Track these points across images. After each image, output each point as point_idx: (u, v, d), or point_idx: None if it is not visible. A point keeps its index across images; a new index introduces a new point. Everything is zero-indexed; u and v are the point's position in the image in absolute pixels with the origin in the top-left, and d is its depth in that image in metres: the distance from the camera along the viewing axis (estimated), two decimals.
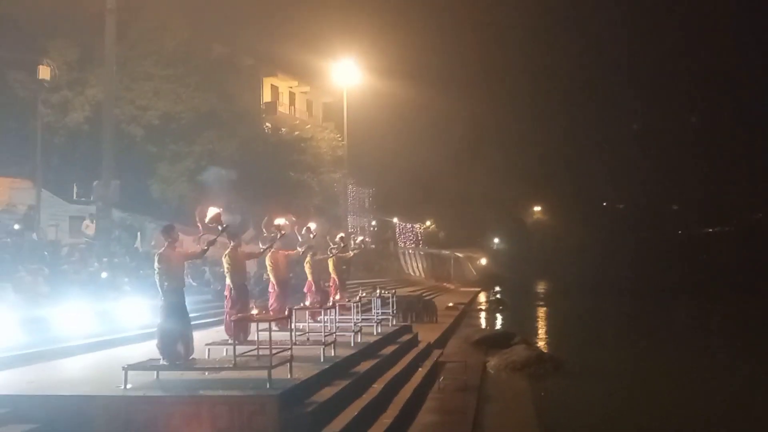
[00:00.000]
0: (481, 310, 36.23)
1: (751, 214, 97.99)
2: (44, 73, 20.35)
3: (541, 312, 37.99)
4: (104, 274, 15.54)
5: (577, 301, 41.36)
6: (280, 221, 11.74)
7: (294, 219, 12.63)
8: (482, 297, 45.60)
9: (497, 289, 53.61)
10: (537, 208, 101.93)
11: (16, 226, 17.77)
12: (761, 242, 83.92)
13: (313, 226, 14.31)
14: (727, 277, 56.75)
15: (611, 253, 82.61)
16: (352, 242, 18.63)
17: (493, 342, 20.32)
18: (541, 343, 22.74)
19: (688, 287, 50.52)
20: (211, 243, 9.11)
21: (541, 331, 27.80)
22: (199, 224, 9.25)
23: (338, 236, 15.89)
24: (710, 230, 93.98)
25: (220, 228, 9.17)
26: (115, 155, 19.02)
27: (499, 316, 32.98)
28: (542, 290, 58.01)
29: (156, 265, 8.63)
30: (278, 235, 11.66)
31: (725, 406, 13.68)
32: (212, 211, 9.21)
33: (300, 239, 13.86)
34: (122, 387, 7.78)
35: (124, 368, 7.93)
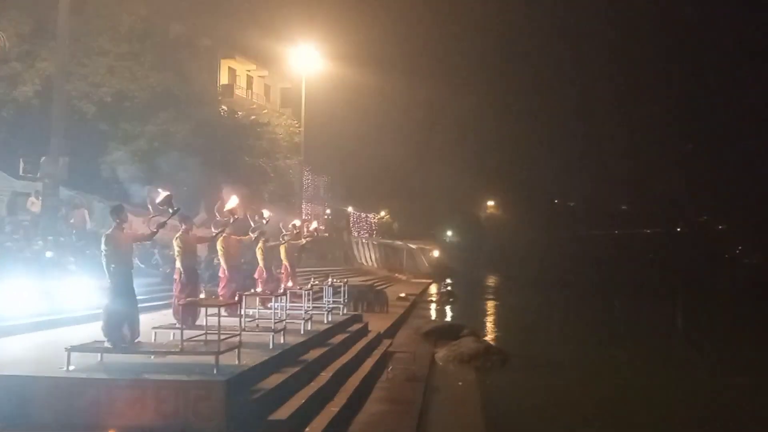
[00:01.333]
0: (431, 301, 36.47)
1: (697, 216, 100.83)
2: None
3: (491, 305, 38.45)
4: (49, 253, 15.17)
5: (526, 296, 41.99)
6: (232, 205, 11.61)
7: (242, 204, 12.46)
8: (433, 289, 45.90)
9: (448, 281, 54.00)
10: (490, 203, 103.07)
11: None
12: (705, 243, 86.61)
13: (266, 212, 14.21)
14: (673, 276, 58.27)
15: (561, 249, 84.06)
16: (305, 229, 18.54)
17: (443, 334, 20.49)
18: (489, 336, 23.03)
19: (635, 286, 51.69)
20: (161, 225, 8.96)
21: (490, 325, 28.14)
22: (149, 206, 9.10)
23: (291, 223, 15.81)
24: (657, 230, 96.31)
25: (170, 210, 9.03)
26: (65, 131, 18.50)
27: (449, 308, 33.27)
28: (492, 284, 58.68)
29: (103, 246, 8.46)
30: (231, 220, 11.54)
31: (667, 396, 14.06)
32: (163, 194, 9.06)
33: (252, 225, 13.75)
34: (65, 368, 7.63)
35: (67, 349, 7.77)
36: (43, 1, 23.04)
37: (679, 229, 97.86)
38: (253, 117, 36.44)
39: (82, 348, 8.10)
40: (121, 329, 8.43)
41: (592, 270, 65.75)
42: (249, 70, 43.57)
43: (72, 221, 19.91)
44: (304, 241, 16.55)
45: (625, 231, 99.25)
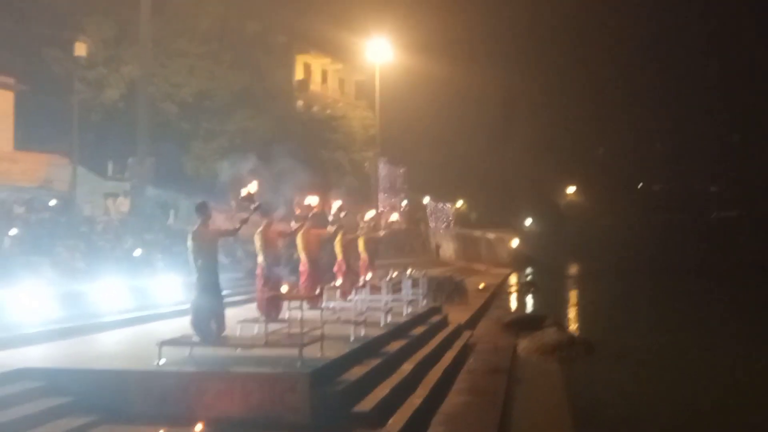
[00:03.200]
0: (512, 291, 36.02)
1: None
2: (80, 49, 20.50)
3: (573, 294, 37.66)
4: (138, 251, 15.74)
5: (609, 284, 40.88)
6: (311, 200, 11.76)
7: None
8: (513, 279, 45.34)
9: (528, 270, 53.24)
10: (570, 189, 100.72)
11: (53, 202, 18.06)
12: None
13: (343, 204, 14.28)
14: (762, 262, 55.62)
15: (646, 235, 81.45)
16: (383, 222, 18.60)
17: (524, 324, 20.15)
18: (572, 326, 22.56)
19: (723, 271, 49.66)
20: (244, 221, 9.14)
21: (573, 314, 27.56)
22: (232, 202, 9.31)
23: (368, 215, 15.88)
24: (744, 213, 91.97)
25: (252, 207, 9.19)
26: (149, 132, 19.23)
27: (530, 298, 32.78)
28: (574, 272, 57.49)
29: (189, 242, 8.68)
30: (309, 214, 11.69)
31: (758, 394, 13.43)
32: (253, 186, 9.21)
33: (331, 218, 13.88)
34: (156, 362, 7.89)
35: (158, 344, 8.03)
36: (124, 6, 23.89)
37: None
38: (328, 111, 36.86)
39: (173, 342, 8.37)
40: (208, 323, 8.65)
41: (679, 255, 63.47)
42: (324, 65, 44.03)
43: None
44: (382, 233, 16.63)
45: (716, 214, 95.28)
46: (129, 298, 12.74)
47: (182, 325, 9.31)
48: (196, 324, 8.64)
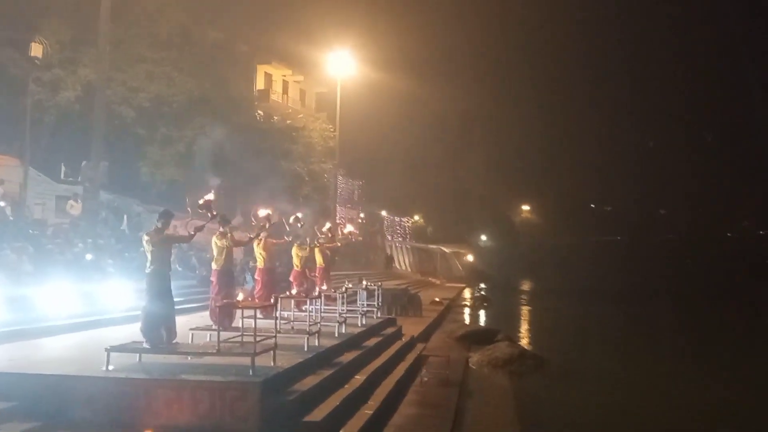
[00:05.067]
0: (465, 306, 36.30)
1: (740, 222, 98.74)
2: (36, 50, 20.12)
3: (525, 310, 38.11)
4: (89, 256, 15.46)
5: (561, 301, 41.49)
6: (265, 212, 11.78)
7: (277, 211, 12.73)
8: (467, 293, 45.68)
9: (482, 285, 53.71)
10: (525, 207, 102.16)
11: (2, 204, 17.63)
12: (748, 250, 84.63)
13: (301, 215, 14.32)
14: (712, 284, 57.09)
15: (597, 254, 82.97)
16: (339, 233, 18.62)
17: (477, 338, 20.36)
18: (524, 341, 22.80)
19: (672, 292, 50.81)
20: (199, 229, 9.08)
21: (525, 330, 27.89)
22: (188, 209, 9.23)
23: (326, 226, 15.90)
24: (697, 236, 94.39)
25: (210, 215, 9.13)
26: (104, 136, 18.92)
27: (483, 313, 33.06)
28: (527, 289, 58.17)
29: (144, 244, 8.59)
30: (267, 224, 11.67)
31: (705, 413, 13.75)
32: (211, 194, 9.16)
33: (288, 228, 13.86)
34: (104, 368, 7.76)
35: (106, 349, 7.90)
36: (83, 9, 23.53)
37: (729, 234, 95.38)
38: (288, 121, 36.75)
39: (121, 348, 8.24)
40: (159, 330, 8.56)
41: (628, 276, 64.73)
42: (285, 75, 43.95)
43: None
44: (338, 243, 16.65)
45: (664, 236, 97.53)
46: (78, 302, 12.48)
47: (132, 332, 9.18)
48: (147, 330, 8.53)
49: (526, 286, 61.69)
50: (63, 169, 25.64)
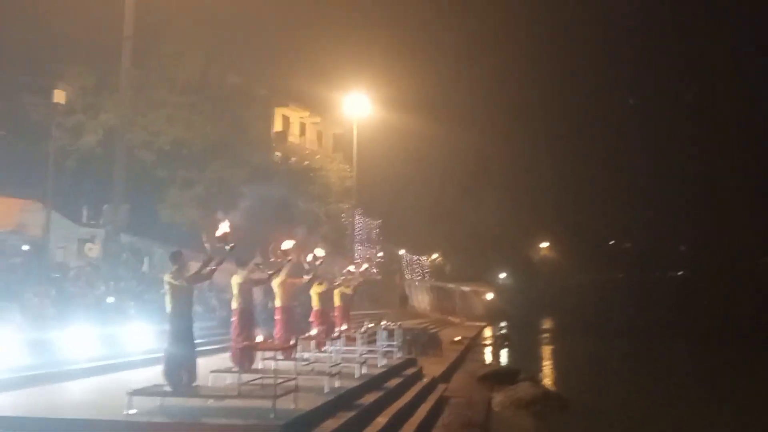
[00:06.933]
0: (486, 345, 35.93)
1: (760, 257, 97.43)
2: (59, 96, 20.51)
3: (547, 349, 37.64)
4: (110, 299, 15.54)
5: (583, 340, 40.95)
6: (287, 245, 11.71)
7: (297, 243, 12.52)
8: (488, 332, 45.25)
9: (503, 324, 53.21)
10: (544, 245, 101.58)
11: (26, 248, 17.84)
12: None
13: (320, 252, 14.25)
14: (731, 321, 56.10)
15: (617, 292, 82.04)
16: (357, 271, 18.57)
17: (499, 378, 20.10)
18: (546, 381, 22.48)
19: (695, 330, 49.98)
20: (219, 263, 9.02)
21: (547, 369, 27.49)
22: (206, 245, 9.18)
23: (346, 269, 15.90)
24: (717, 271, 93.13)
25: (227, 248, 9.06)
26: (125, 179, 19.15)
27: (504, 352, 32.70)
28: (548, 327, 57.53)
29: (166, 286, 8.60)
30: (285, 262, 11.65)
31: None
32: (224, 227, 9.09)
33: (306, 267, 13.84)
34: (126, 412, 7.73)
35: (128, 393, 7.88)
36: (105, 55, 24.06)
37: (752, 268, 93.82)
38: (306, 162, 37.06)
39: (143, 392, 8.20)
40: (180, 373, 8.52)
41: (649, 313, 63.88)
42: (302, 117, 44.46)
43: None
44: (356, 282, 16.60)
45: (684, 273, 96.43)
46: (99, 345, 12.49)
47: (153, 375, 9.16)
48: (168, 373, 8.49)
49: (546, 324, 61.03)
50: (85, 212, 25.98)
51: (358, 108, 37.59)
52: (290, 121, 43.44)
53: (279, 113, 42.11)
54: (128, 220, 19.58)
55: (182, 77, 28.58)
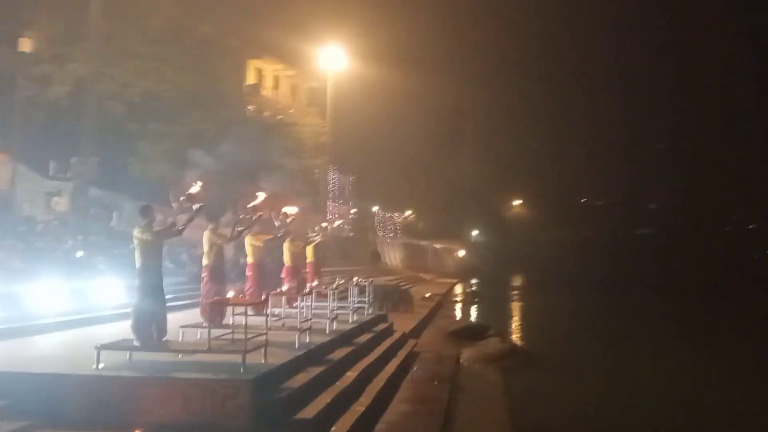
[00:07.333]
0: (457, 301, 36.40)
1: (727, 216, 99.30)
2: (25, 45, 20.04)
3: (516, 306, 38.26)
4: (79, 253, 15.40)
5: (552, 297, 41.67)
6: (257, 200, 11.67)
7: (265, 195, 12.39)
8: (459, 289, 45.80)
9: (474, 281, 53.86)
10: (516, 202, 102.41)
11: None
12: (735, 244, 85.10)
13: (291, 210, 14.23)
14: (701, 278, 57.39)
15: (588, 249, 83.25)
16: (329, 227, 18.61)
17: (468, 334, 20.42)
18: (515, 337, 22.91)
19: (661, 286, 51.06)
20: (189, 220, 8.99)
21: (516, 325, 28.00)
22: (173, 204, 9.14)
23: (319, 225, 15.90)
24: (686, 230, 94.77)
25: (195, 206, 9.02)
26: (94, 132, 18.82)
27: (474, 309, 33.17)
28: (518, 284, 58.37)
29: (135, 241, 8.55)
30: (254, 218, 11.62)
31: (694, 406, 13.85)
32: (196, 187, 9.06)
33: (277, 224, 13.82)
34: (95, 366, 7.73)
35: (96, 348, 7.87)
36: (73, 4, 23.38)
37: (727, 229, 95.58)
38: (279, 117, 36.67)
39: (112, 346, 8.19)
40: (149, 328, 8.53)
41: (616, 270, 65.00)
42: (276, 70, 43.79)
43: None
44: (326, 237, 16.63)
45: (654, 230, 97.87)
46: (68, 300, 12.41)
47: (123, 329, 9.16)
48: (137, 328, 8.50)
49: (517, 281, 61.90)
50: (52, 165, 25.50)
51: (333, 61, 37.19)
52: (264, 74, 42.78)
53: (252, 66, 41.42)
54: (97, 174, 19.29)
55: (154, 27, 27.92)
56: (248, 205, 11.54)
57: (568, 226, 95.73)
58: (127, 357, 8.24)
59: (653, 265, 70.29)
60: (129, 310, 8.85)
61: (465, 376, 14.89)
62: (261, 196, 11.56)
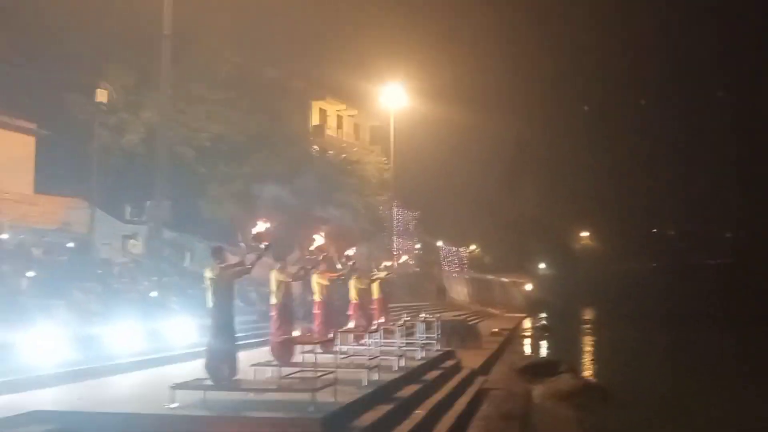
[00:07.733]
0: (526, 336, 35.73)
1: None
2: (102, 96, 20.95)
3: (588, 340, 37.27)
4: (154, 294, 15.83)
5: (624, 330, 40.41)
6: (318, 239, 11.76)
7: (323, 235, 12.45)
8: (527, 323, 44.98)
9: (543, 315, 52.82)
10: (584, 234, 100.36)
11: (71, 245, 18.24)
12: None
13: (350, 252, 14.25)
14: None
15: (660, 280, 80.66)
16: (395, 264, 18.62)
17: (539, 370, 19.98)
18: (587, 372, 22.29)
19: (740, 317, 48.92)
20: (258, 259, 9.10)
21: (588, 360, 27.25)
22: (242, 243, 9.29)
23: (384, 263, 15.94)
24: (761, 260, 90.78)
25: (262, 246, 9.15)
26: (167, 176, 19.42)
27: (544, 343, 32.48)
28: (588, 317, 56.92)
29: (207, 281, 8.72)
30: (320, 257, 11.72)
31: None
32: (259, 227, 9.17)
33: (338, 266, 13.87)
34: (169, 406, 7.89)
35: (171, 387, 8.04)
36: (145, 53, 24.42)
37: None
38: (343, 155, 37.18)
39: (185, 385, 8.35)
40: (221, 366, 8.65)
41: (690, 301, 62.63)
42: (339, 110, 44.59)
43: None
44: (391, 273, 16.62)
45: (730, 260, 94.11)
46: (143, 340, 12.75)
47: (196, 368, 9.32)
48: (210, 367, 8.63)
49: (587, 314, 60.38)
50: (128, 209, 26.45)
51: (394, 99, 37.60)
52: (327, 115, 43.60)
53: (316, 107, 42.32)
54: (170, 216, 19.88)
55: (220, 73, 28.90)
56: (310, 248, 11.65)
57: (639, 257, 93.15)
58: (200, 396, 8.34)
59: (721, 296, 67.47)
60: (202, 349, 9.00)
61: (537, 413, 14.55)
62: (318, 239, 11.66)
